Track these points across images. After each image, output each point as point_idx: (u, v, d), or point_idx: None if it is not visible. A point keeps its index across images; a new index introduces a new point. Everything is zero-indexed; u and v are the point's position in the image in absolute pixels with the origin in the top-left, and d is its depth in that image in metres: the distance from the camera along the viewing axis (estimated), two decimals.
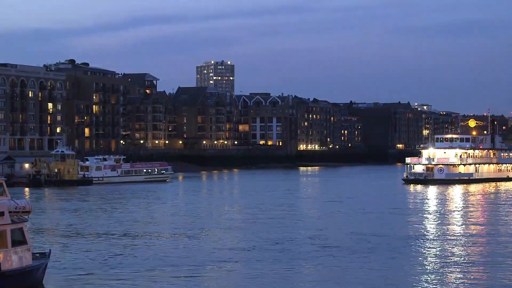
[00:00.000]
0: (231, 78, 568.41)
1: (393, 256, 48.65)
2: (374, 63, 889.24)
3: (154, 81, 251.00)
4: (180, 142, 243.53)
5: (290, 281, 41.28)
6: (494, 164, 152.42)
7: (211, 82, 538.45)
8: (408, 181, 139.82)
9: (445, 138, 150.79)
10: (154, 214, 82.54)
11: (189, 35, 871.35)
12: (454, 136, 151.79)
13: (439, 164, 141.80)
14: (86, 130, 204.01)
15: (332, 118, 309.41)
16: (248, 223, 71.01)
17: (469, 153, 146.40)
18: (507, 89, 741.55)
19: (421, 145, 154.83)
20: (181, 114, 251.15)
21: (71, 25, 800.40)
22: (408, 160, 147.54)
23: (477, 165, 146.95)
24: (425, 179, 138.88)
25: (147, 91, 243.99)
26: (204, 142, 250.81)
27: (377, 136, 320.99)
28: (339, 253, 49.55)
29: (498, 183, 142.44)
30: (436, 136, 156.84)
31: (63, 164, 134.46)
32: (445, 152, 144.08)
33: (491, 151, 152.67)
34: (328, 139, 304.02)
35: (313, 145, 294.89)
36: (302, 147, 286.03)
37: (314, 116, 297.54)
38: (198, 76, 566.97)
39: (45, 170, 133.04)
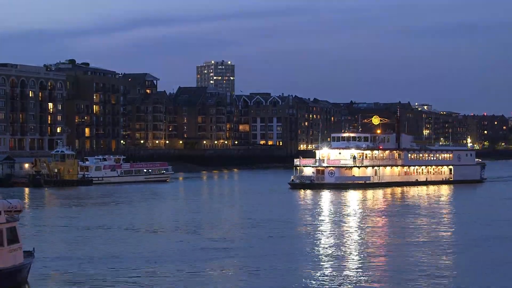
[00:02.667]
0: (231, 78, 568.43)
1: None
2: (374, 63, 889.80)
3: (154, 81, 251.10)
4: (181, 142, 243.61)
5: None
6: (399, 167, 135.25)
7: (211, 82, 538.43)
8: (294, 186, 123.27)
9: (342, 137, 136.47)
10: (152, 214, 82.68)
11: (189, 35, 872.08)
12: (352, 134, 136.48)
13: (329, 166, 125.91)
14: (86, 130, 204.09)
15: (332, 118, 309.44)
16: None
17: (366, 154, 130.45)
18: (507, 89, 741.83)
19: (315, 145, 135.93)
20: (181, 114, 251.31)
21: (71, 26, 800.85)
22: (296, 161, 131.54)
23: (376, 168, 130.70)
24: (312, 183, 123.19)
25: (147, 91, 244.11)
26: (204, 142, 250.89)
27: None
28: None
29: (404, 188, 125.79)
30: (332, 135, 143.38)
31: (63, 164, 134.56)
32: (340, 153, 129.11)
33: (395, 151, 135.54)
34: (329, 139, 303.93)
35: (313, 145, 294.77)
36: (302, 147, 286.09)
37: (314, 116, 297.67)
38: (198, 76, 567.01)
39: (45, 170, 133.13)
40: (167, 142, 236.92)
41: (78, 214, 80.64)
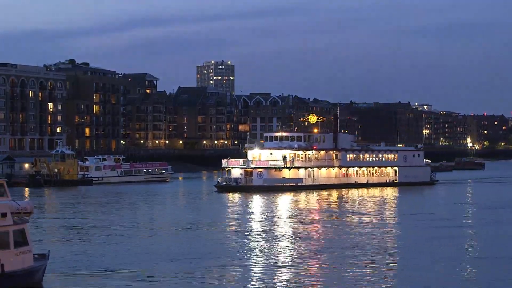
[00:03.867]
0: (231, 78, 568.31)
1: None
2: (374, 63, 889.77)
3: (154, 81, 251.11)
4: (181, 142, 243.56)
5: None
6: (337, 168, 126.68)
7: (211, 82, 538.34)
8: (220, 188, 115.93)
9: (274, 136, 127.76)
10: (152, 214, 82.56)
11: (189, 35, 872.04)
12: (284, 134, 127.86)
13: (258, 168, 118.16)
14: (86, 130, 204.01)
15: (332, 118, 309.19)
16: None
17: (298, 155, 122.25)
18: (507, 89, 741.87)
19: (246, 145, 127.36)
20: (181, 114, 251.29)
21: (71, 26, 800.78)
22: (224, 162, 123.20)
23: (310, 169, 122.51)
24: (238, 186, 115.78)
25: (147, 91, 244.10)
26: (204, 142, 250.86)
27: (377, 136, 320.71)
28: None
29: (342, 190, 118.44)
30: (264, 134, 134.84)
31: (63, 164, 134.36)
32: (271, 153, 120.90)
33: (332, 152, 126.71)
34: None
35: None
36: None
37: None
38: (198, 76, 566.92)
39: (45, 170, 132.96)
40: (167, 142, 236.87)
41: (77, 214, 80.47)
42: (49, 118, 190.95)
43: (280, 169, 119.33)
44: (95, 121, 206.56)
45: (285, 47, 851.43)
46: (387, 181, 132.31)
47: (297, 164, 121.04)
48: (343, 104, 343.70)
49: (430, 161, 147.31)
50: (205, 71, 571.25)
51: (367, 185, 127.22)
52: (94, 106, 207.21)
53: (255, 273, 43.43)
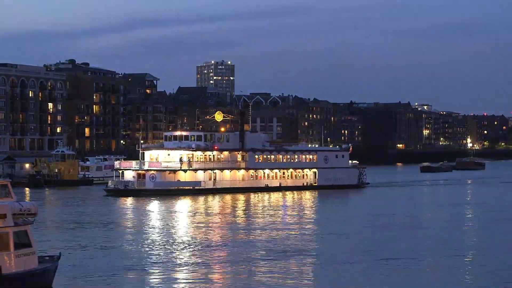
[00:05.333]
0: (231, 78, 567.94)
1: None
2: (374, 63, 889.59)
3: (154, 81, 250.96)
4: (305, 143, 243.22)
5: None
6: (243, 170, 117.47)
7: (211, 82, 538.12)
8: (110, 192, 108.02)
9: (174, 135, 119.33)
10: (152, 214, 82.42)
11: (189, 35, 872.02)
12: (184, 133, 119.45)
13: (151, 170, 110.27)
14: (86, 130, 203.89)
15: (332, 118, 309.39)
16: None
17: (197, 155, 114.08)
18: (507, 89, 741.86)
19: (144, 145, 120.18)
20: (181, 114, 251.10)
21: (71, 26, 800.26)
22: (116, 163, 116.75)
23: (211, 171, 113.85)
24: (127, 189, 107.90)
25: (148, 91, 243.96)
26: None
27: (377, 136, 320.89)
28: None
29: (249, 194, 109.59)
30: (164, 134, 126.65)
31: (63, 164, 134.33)
32: (169, 154, 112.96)
33: (237, 152, 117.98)
34: (329, 139, 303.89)
35: (313, 145, 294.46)
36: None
37: (314, 116, 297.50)
38: (198, 76, 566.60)
39: (45, 170, 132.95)
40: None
41: (81, 215, 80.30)
42: (49, 118, 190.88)
43: (175, 171, 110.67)
44: (95, 121, 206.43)
45: (285, 47, 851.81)
46: (305, 184, 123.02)
47: (195, 165, 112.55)
48: (343, 104, 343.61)
49: (357, 162, 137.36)
50: (205, 71, 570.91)
51: (280, 189, 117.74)
52: (94, 106, 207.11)
53: None
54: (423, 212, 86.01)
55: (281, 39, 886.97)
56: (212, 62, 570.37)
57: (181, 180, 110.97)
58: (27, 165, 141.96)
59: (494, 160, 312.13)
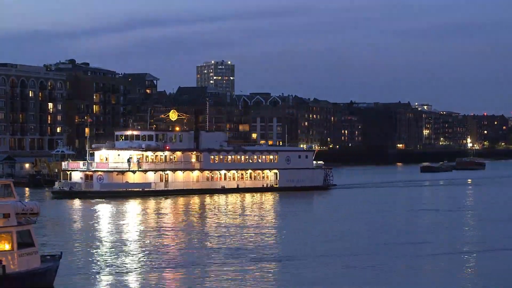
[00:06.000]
0: (231, 78, 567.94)
1: None
2: (374, 63, 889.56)
3: (155, 81, 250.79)
4: (264, 142, 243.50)
5: None
6: (198, 171, 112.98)
7: (211, 82, 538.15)
8: (56, 194, 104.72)
9: (125, 135, 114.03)
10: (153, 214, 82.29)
11: (189, 35, 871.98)
12: (135, 132, 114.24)
13: (98, 171, 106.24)
14: (86, 130, 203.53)
15: (332, 118, 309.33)
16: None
17: (147, 156, 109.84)
18: (507, 89, 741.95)
19: (94, 144, 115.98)
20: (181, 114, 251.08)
21: (72, 26, 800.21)
22: (64, 164, 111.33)
23: (162, 172, 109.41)
24: (72, 191, 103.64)
25: (148, 91, 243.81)
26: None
27: (377, 136, 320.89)
28: None
29: (204, 196, 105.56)
30: (116, 133, 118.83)
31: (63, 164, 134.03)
32: (119, 155, 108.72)
33: (191, 153, 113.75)
34: (329, 139, 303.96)
35: (313, 145, 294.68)
36: (302, 147, 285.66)
37: (314, 116, 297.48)
38: (199, 76, 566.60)
39: (45, 170, 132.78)
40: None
41: (81, 214, 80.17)
42: (49, 118, 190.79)
43: (123, 172, 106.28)
44: (95, 121, 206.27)
45: (285, 47, 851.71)
46: (265, 185, 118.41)
47: (145, 166, 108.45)
48: (343, 104, 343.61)
49: (323, 162, 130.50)
50: (205, 71, 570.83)
51: (238, 190, 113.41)
52: (94, 106, 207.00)
53: None
54: (373, 216, 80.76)
55: (281, 39, 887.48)
56: (212, 62, 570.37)
57: (129, 182, 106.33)
58: (27, 165, 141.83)
59: (494, 160, 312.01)
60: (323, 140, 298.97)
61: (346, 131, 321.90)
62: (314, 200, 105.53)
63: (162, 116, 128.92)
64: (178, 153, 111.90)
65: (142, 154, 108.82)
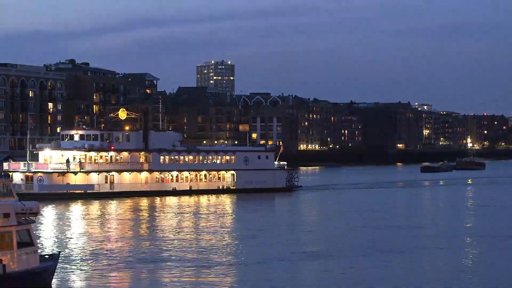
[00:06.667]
0: (231, 78, 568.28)
1: None
2: (374, 63, 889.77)
3: (155, 81, 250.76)
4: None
5: None
6: (146, 172, 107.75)
7: (211, 82, 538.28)
8: None
9: (70, 134, 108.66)
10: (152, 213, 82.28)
11: (189, 35, 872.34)
12: (80, 132, 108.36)
13: (38, 172, 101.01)
14: None
15: (332, 118, 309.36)
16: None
17: (91, 156, 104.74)
18: (507, 89, 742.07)
19: (38, 144, 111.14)
20: (181, 114, 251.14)
21: (71, 27, 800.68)
22: (5, 165, 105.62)
23: (107, 174, 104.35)
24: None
25: (148, 91, 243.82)
26: (204, 142, 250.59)
27: (377, 136, 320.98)
28: None
29: (153, 198, 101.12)
30: (62, 132, 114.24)
31: None
32: (62, 155, 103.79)
33: (139, 153, 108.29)
34: (329, 139, 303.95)
35: (313, 145, 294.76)
36: (302, 147, 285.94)
37: (314, 116, 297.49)
38: (199, 76, 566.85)
39: None
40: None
41: (80, 214, 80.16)
42: (49, 118, 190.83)
43: (64, 173, 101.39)
44: (95, 121, 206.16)
45: (285, 47, 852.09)
46: (220, 187, 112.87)
47: (88, 167, 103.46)
48: (343, 104, 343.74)
49: (285, 163, 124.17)
50: (205, 71, 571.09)
51: (191, 192, 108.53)
52: (94, 106, 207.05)
53: None
54: (328, 219, 77.16)
55: (281, 39, 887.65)
56: (212, 62, 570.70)
57: (71, 183, 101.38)
58: None
59: (494, 160, 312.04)
60: (323, 140, 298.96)
61: (346, 131, 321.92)
62: (269, 202, 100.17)
63: (112, 115, 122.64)
64: (125, 154, 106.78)
65: (85, 155, 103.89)
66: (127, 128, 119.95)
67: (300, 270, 46.18)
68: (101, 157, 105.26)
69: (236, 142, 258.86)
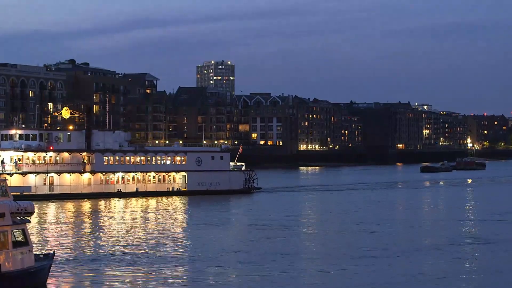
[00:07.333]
0: (231, 78, 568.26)
1: None
2: (374, 63, 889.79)
3: (154, 81, 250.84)
4: (181, 142, 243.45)
5: None
6: (89, 173, 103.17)
7: (211, 82, 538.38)
8: None
9: (9, 134, 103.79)
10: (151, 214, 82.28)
11: (189, 35, 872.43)
12: (19, 131, 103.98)
13: None
14: None
15: (332, 118, 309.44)
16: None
17: (28, 157, 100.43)
18: (507, 89, 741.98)
19: None
20: (181, 114, 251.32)
21: (71, 26, 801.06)
22: None
23: (46, 175, 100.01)
24: None
25: (147, 91, 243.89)
26: (205, 142, 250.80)
27: (377, 136, 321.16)
28: None
29: (97, 201, 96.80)
30: (1, 132, 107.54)
31: None
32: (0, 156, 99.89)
33: (82, 154, 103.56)
34: (328, 139, 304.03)
35: (313, 145, 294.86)
36: (302, 147, 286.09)
37: (314, 116, 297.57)
38: (199, 76, 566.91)
39: None
40: (167, 142, 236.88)
41: (78, 215, 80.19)
42: (49, 118, 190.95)
43: None
44: (95, 121, 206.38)
45: (285, 48, 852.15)
46: (170, 189, 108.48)
47: (25, 168, 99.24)
48: (343, 104, 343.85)
49: (243, 164, 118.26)
50: (205, 71, 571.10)
51: (137, 194, 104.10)
52: (94, 106, 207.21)
53: None
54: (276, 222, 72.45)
55: (281, 39, 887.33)
56: (212, 62, 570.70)
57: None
58: None
59: (494, 160, 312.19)
60: (323, 140, 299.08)
61: (346, 131, 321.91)
62: (220, 205, 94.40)
63: (55, 113, 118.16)
64: (65, 154, 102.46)
65: (22, 155, 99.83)
66: (70, 127, 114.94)
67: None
68: (39, 157, 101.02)
69: (236, 142, 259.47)
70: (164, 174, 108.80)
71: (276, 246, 55.02)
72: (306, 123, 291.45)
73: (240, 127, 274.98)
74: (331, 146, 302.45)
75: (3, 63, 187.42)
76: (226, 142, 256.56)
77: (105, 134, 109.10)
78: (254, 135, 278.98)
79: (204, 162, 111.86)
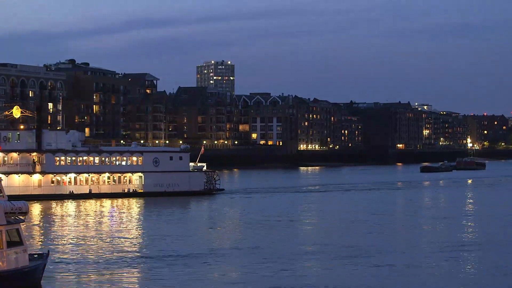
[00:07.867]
0: (231, 78, 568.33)
1: None
2: (374, 63, 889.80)
3: (154, 81, 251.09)
4: (181, 142, 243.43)
5: None
6: (39, 174, 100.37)
7: (211, 82, 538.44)
8: None
9: None
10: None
11: (189, 35, 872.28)
12: None
13: None
14: (86, 130, 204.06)
15: (332, 118, 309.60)
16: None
17: None
18: (507, 89, 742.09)
19: None
20: (181, 114, 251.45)
21: (71, 27, 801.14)
22: None
23: None
24: None
25: (147, 91, 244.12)
26: (205, 142, 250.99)
27: (377, 136, 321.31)
28: None
29: (48, 203, 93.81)
30: None
31: None
32: None
33: (32, 154, 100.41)
34: (328, 139, 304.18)
35: (313, 145, 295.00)
36: (302, 147, 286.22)
37: (314, 116, 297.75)
38: (199, 76, 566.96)
39: None
40: (167, 142, 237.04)
41: (76, 215, 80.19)
42: (49, 118, 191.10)
43: None
44: (95, 121, 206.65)
45: (285, 47, 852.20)
46: (125, 190, 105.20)
47: None
48: (343, 104, 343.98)
49: (204, 165, 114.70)
50: (205, 71, 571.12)
51: (90, 196, 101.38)
52: (94, 106, 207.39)
53: None
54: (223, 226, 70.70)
55: (281, 39, 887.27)
56: (212, 62, 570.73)
57: None
58: None
59: (494, 160, 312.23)
60: (323, 140, 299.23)
61: (346, 131, 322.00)
62: (171, 206, 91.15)
63: (6, 112, 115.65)
64: (14, 154, 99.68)
65: None
66: (22, 127, 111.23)
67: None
68: None
69: (236, 142, 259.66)
70: (120, 175, 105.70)
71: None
72: (306, 123, 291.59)
73: (240, 127, 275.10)
74: (331, 146, 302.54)
75: (3, 63, 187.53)
76: (226, 142, 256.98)
77: (57, 134, 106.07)
78: (254, 135, 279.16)
79: (162, 162, 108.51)
